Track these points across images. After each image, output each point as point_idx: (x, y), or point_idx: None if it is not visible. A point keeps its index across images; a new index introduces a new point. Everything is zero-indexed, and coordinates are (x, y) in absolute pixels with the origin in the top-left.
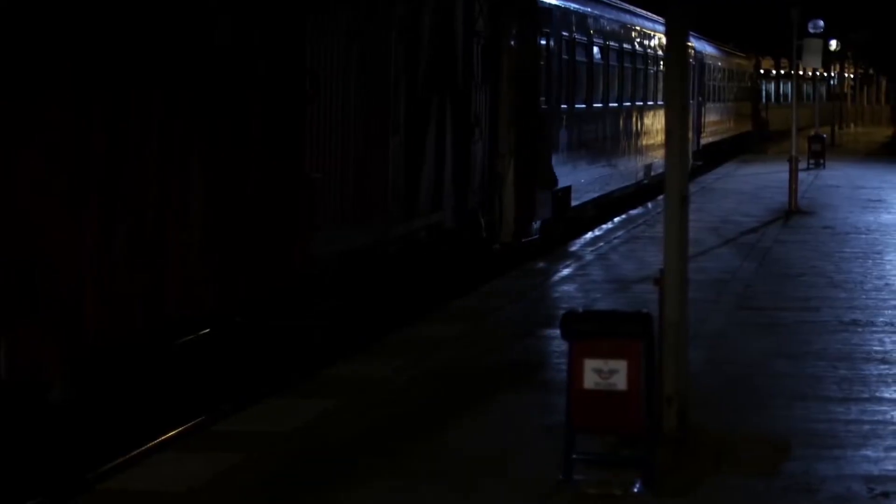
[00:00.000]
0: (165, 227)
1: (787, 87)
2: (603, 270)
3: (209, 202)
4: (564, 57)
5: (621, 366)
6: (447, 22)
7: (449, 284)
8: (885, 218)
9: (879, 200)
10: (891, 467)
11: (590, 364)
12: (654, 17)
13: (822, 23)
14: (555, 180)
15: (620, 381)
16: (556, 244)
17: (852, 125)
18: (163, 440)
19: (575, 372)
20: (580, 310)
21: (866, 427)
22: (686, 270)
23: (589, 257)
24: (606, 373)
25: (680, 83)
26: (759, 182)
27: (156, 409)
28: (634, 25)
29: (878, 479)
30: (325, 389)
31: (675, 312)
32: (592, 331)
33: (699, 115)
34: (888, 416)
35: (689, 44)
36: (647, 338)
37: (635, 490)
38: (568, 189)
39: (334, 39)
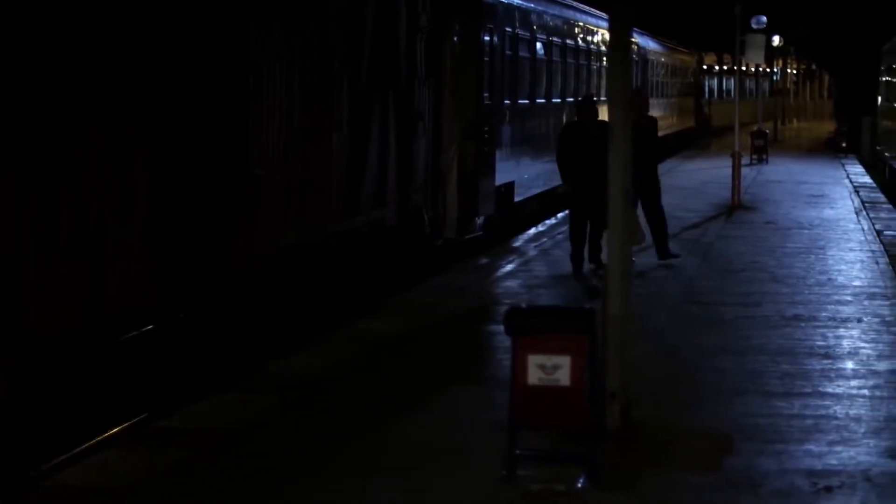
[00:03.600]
0: (108, 223)
1: (730, 83)
2: (546, 266)
3: (152, 198)
4: (508, 52)
5: (565, 361)
6: (390, 17)
7: (392, 280)
8: (828, 213)
9: (822, 196)
10: (834, 462)
11: (533, 360)
12: (597, 12)
13: (764, 18)
14: (497, 176)
15: (564, 377)
16: (499, 240)
17: (795, 120)
18: (106, 437)
19: (518, 367)
20: (524, 305)
21: (809, 422)
22: (629, 265)
23: (532, 253)
24: (550, 368)
25: (623, 79)
26: (701, 177)
27: (100, 406)
28: (577, 21)
29: (822, 474)
30: (269, 385)
31: (619, 307)
32: (536, 326)
33: None
34: (831, 411)
35: (633, 39)
36: (591, 333)
37: (579, 486)
38: (511, 185)
39: (278, 34)
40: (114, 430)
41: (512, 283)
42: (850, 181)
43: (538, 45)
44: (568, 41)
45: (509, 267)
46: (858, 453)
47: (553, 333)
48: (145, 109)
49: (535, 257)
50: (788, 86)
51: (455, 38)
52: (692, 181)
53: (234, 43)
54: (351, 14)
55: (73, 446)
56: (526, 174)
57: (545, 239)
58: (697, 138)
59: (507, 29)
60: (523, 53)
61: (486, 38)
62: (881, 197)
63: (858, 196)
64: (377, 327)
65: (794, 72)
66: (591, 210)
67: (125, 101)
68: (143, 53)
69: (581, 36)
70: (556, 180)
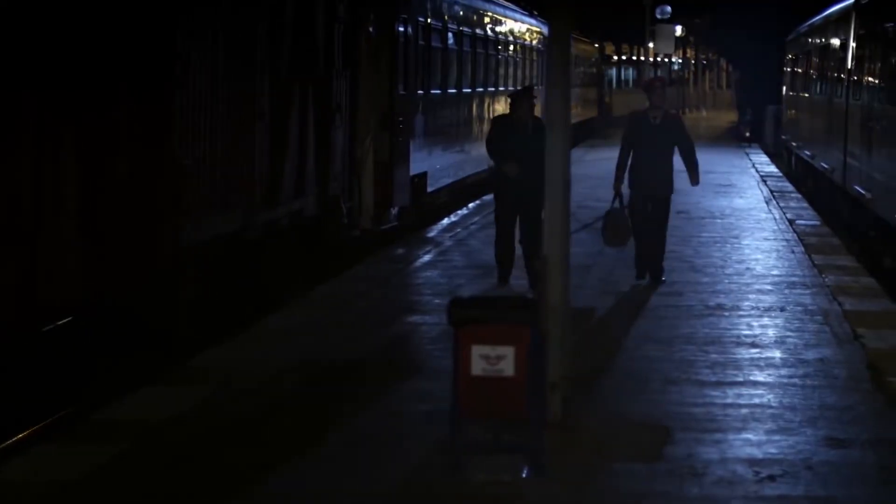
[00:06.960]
0: (33, 212)
1: (629, 73)
2: (463, 256)
3: (78, 187)
4: (421, 43)
5: (509, 352)
6: (309, 7)
7: (311, 271)
8: (738, 202)
9: (730, 185)
10: (774, 451)
11: (477, 350)
12: (506, 3)
13: (669, 9)
14: (412, 166)
15: (508, 367)
16: (413, 230)
17: (694, 110)
18: (38, 429)
19: (462, 358)
20: (466, 295)
21: (744, 411)
22: (568, 255)
23: (448, 243)
24: (494, 359)
25: (563, 70)
26: (608, 167)
27: (24, 399)
28: (487, 11)
29: (763, 463)
30: (197, 378)
31: (558, 298)
32: (480, 317)
33: None
34: (765, 400)
35: (536, 28)
36: (536, 323)
37: (523, 476)
38: (424, 175)
39: (204, 23)
40: (46, 422)
41: (431, 274)
42: (757, 170)
43: (450, 35)
44: (478, 31)
45: (427, 257)
46: (797, 442)
47: (497, 324)
48: (68, 97)
49: (451, 247)
50: (687, 76)
51: (370, 29)
52: (599, 170)
53: (161, 29)
54: (273, 3)
55: (2, 439)
56: (439, 164)
57: (459, 229)
58: (601, 128)
59: (421, 19)
60: (436, 44)
61: (401, 29)
62: (788, 186)
63: (766, 185)
64: (299, 317)
65: (693, 61)
66: (524, 210)
67: (53, 92)
68: (72, 44)
69: (490, 26)
70: (468, 170)
